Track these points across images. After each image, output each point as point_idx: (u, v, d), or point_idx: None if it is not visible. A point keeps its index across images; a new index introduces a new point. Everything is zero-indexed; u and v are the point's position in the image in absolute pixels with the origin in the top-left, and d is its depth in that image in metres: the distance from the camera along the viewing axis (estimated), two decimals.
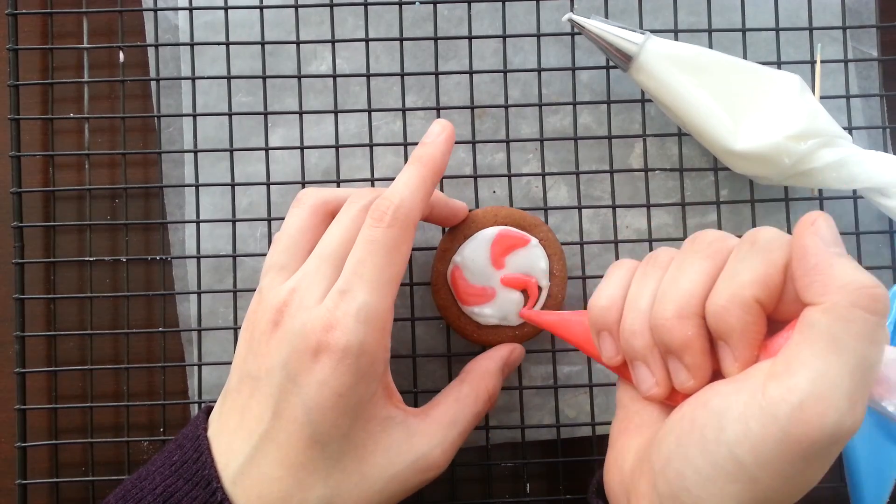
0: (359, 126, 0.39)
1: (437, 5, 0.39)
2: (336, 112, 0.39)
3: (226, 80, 0.39)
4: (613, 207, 0.39)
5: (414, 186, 0.29)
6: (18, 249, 0.38)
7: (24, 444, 0.37)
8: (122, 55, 0.40)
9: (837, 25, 0.39)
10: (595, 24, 0.36)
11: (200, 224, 0.38)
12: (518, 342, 0.36)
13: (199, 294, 0.38)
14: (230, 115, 0.39)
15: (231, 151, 0.39)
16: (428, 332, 0.39)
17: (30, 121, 0.39)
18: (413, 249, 0.38)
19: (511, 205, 0.39)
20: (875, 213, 0.39)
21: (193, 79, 0.39)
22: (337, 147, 0.39)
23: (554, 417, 0.38)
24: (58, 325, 0.39)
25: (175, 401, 0.38)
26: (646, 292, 0.26)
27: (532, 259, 0.35)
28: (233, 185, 0.38)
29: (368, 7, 0.39)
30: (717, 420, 0.22)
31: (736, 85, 0.36)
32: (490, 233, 0.35)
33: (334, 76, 0.39)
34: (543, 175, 0.39)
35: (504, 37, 0.39)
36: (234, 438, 0.28)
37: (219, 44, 0.39)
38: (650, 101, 0.39)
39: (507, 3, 0.39)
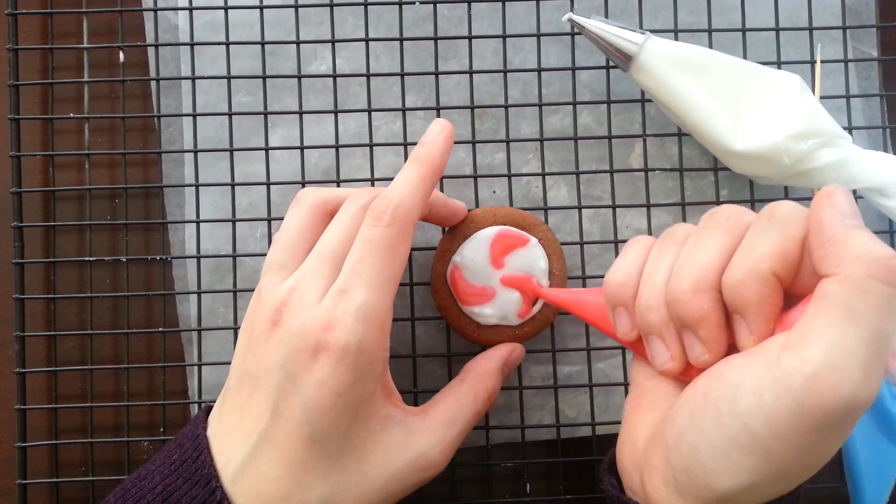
0: (359, 126, 0.39)
1: (437, 5, 0.39)
2: (336, 112, 0.39)
3: (226, 80, 0.39)
4: (613, 207, 0.39)
5: (413, 186, 0.29)
6: (18, 249, 0.38)
7: (24, 444, 0.37)
8: (122, 55, 0.40)
9: (837, 25, 0.39)
10: (595, 24, 0.36)
11: (200, 224, 0.38)
12: (518, 342, 0.36)
13: (199, 294, 0.38)
14: (230, 115, 0.39)
15: (231, 151, 0.39)
16: (428, 332, 0.39)
17: (30, 121, 0.39)
18: (413, 249, 0.38)
19: (511, 205, 0.39)
20: (875, 213, 0.39)
21: (193, 79, 0.39)
22: (337, 147, 0.39)
23: (554, 417, 0.38)
24: (58, 325, 0.39)
25: (175, 401, 0.38)
26: (662, 267, 0.26)
27: (531, 258, 0.35)
28: (233, 185, 0.38)
29: (368, 7, 0.39)
30: (730, 393, 0.23)
31: (736, 85, 0.36)
32: (489, 232, 0.35)
33: (334, 76, 0.39)
34: (543, 175, 0.39)
35: (504, 37, 0.39)
36: (233, 438, 0.28)
37: (219, 44, 0.39)
38: (650, 101, 0.39)
39: (507, 3, 0.39)
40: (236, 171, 0.39)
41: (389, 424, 0.29)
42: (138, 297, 0.39)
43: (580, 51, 0.39)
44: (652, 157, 0.39)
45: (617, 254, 0.39)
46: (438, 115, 0.39)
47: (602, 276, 0.38)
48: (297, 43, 0.39)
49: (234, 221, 0.38)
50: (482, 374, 0.33)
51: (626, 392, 0.38)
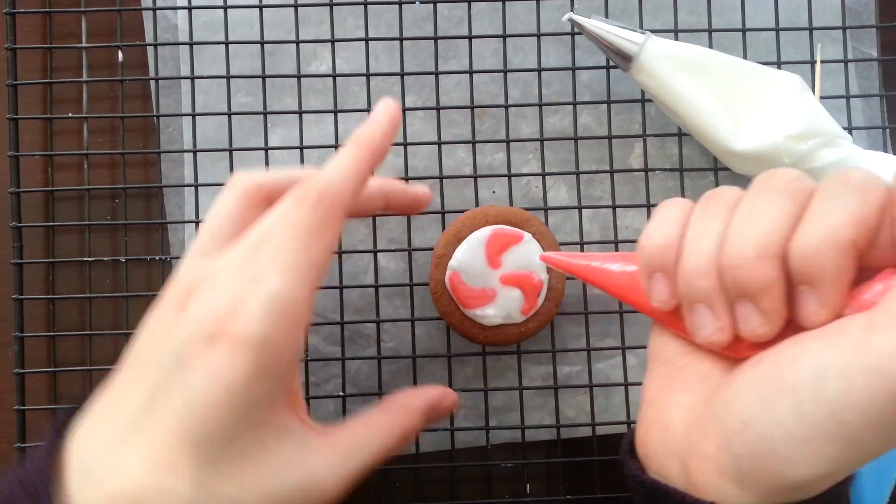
0: (358, 126, 0.39)
1: (437, 5, 0.39)
2: (336, 112, 0.39)
3: (225, 80, 0.39)
4: (613, 207, 0.39)
5: (345, 168, 0.27)
6: (17, 249, 0.38)
7: (23, 445, 0.37)
8: (121, 55, 0.40)
9: (837, 25, 0.39)
10: (595, 24, 0.36)
11: (200, 224, 0.38)
12: (523, 338, 0.36)
13: None
14: (230, 115, 0.39)
15: (231, 151, 0.39)
16: (428, 332, 0.39)
17: (29, 121, 0.39)
18: (413, 250, 0.38)
19: (511, 205, 0.39)
20: None
21: (193, 78, 0.39)
22: (337, 147, 0.38)
23: (554, 417, 0.38)
24: (58, 325, 0.39)
25: None
26: (711, 232, 0.24)
27: (528, 254, 0.35)
28: None
29: (368, 7, 0.39)
30: (812, 378, 0.21)
31: (736, 85, 0.36)
32: (483, 233, 0.35)
33: (334, 76, 0.39)
34: (543, 175, 0.39)
35: (504, 37, 0.39)
36: (100, 426, 0.25)
37: (218, 43, 0.39)
38: (650, 101, 0.39)
39: (507, 3, 0.39)
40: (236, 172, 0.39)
41: (285, 437, 0.25)
42: (138, 298, 0.39)
43: (580, 51, 0.39)
44: (652, 157, 0.39)
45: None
46: (438, 116, 0.39)
47: None
48: (297, 43, 0.39)
49: None
50: (405, 409, 0.29)
51: (627, 392, 0.38)
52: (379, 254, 0.38)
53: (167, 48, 0.39)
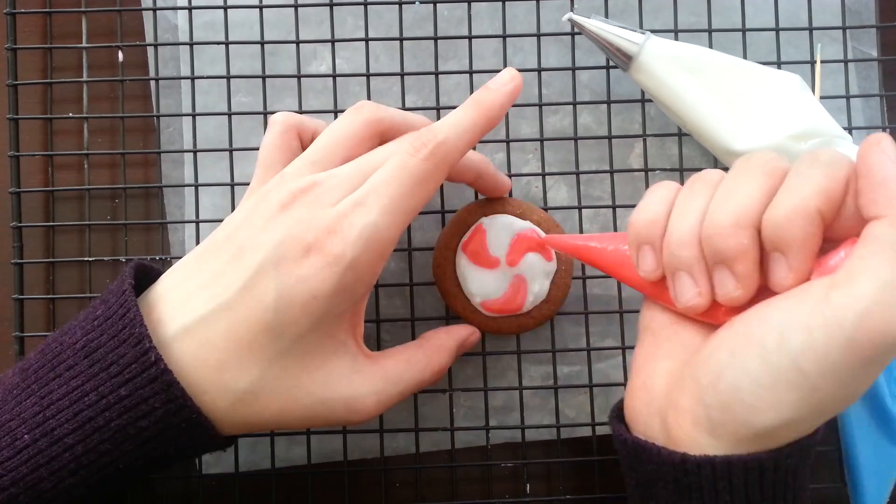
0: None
1: (437, 5, 0.39)
2: (336, 112, 0.39)
3: (225, 80, 0.39)
4: (613, 207, 0.39)
5: (463, 128, 0.29)
6: (18, 249, 0.38)
7: None
8: (121, 55, 0.40)
9: (837, 25, 0.39)
10: (595, 24, 0.36)
11: (200, 224, 0.38)
12: (525, 330, 0.36)
13: None
14: (230, 115, 0.39)
15: (230, 151, 0.39)
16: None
17: (29, 121, 0.39)
18: (413, 250, 0.38)
19: None
20: None
21: (193, 79, 0.39)
22: None
23: (554, 417, 0.38)
24: (58, 325, 0.39)
25: None
26: (695, 207, 0.26)
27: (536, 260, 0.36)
28: (232, 185, 0.38)
29: (368, 7, 0.39)
30: (777, 332, 0.23)
31: (736, 85, 0.36)
32: (521, 225, 0.36)
33: (334, 76, 0.39)
34: (543, 175, 0.39)
35: (504, 37, 0.39)
36: (194, 296, 0.28)
37: (218, 43, 0.39)
38: (650, 101, 0.39)
39: (507, 3, 0.39)
40: (236, 171, 0.39)
41: (343, 351, 0.29)
42: None
43: (580, 51, 0.39)
44: (652, 157, 0.39)
45: None
46: (438, 116, 0.39)
47: (602, 277, 0.38)
48: (297, 43, 0.39)
49: None
50: (439, 348, 0.33)
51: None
52: None
53: (167, 48, 0.39)
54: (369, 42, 0.39)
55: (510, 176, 0.39)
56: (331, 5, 0.39)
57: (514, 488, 0.39)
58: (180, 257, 0.38)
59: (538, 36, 0.39)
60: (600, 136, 0.39)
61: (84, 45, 0.39)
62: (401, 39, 0.39)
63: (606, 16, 0.39)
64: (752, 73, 0.36)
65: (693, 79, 0.36)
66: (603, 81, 0.39)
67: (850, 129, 0.39)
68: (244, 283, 0.27)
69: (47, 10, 0.39)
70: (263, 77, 0.39)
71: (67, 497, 0.27)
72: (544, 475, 0.39)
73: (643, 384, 0.28)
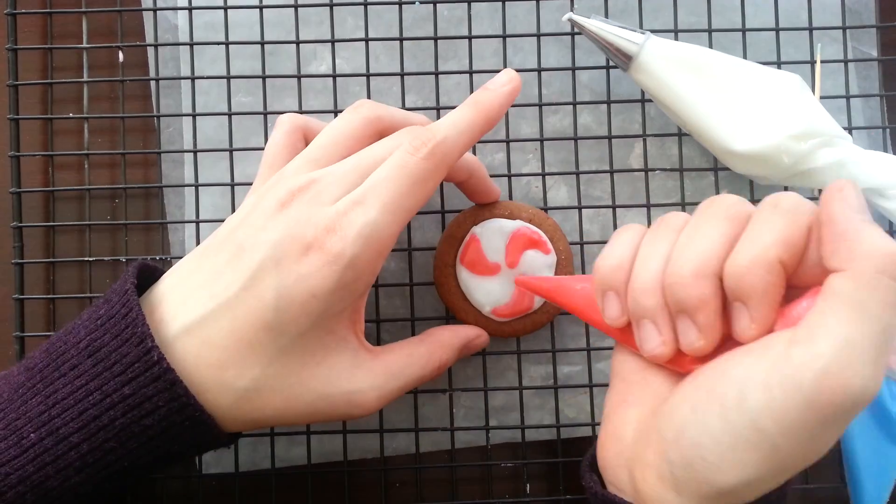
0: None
1: (437, 5, 0.39)
2: (336, 112, 0.39)
3: (225, 80, 0.39)
4: (613, 207, 0.39)
5: (462, 128, 0.29)
6: (18, 249, 0.38)
7: None
8: (121, 55, 0.40)
9: (837, 25, 0.39)
10: (595, 24, 0.36)
11: (200, 224, 0.38)
12: (540, 327, 0.36)
13: None
14: (230, 115, 0.39)
15: (231, 151, 0.39)
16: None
17: (29, 121, 0.39)
18: (413, 250, 0.38)
19: None
20: (874, 214, 0.39)
21: (193, 79, 0.39)
22: None
23: (554, 417, 0.38)
24: (58, 325, 0.39)
25: None
26: (658, 253, 0.26)
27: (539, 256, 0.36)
28: (232, 185, 0.38)
29: (368, 7, 0.39)
30: (737, 388, 0.22)
31: (736, 85, 0.36)
32: (512, 225, 0.36)
33: (334, 76, 0.39)
34: (543, 175, 0.39)
35: (504, 37, 0.39)
36: (195, 295, 0.28)
37: (218, 43, 0.39)
38: (650, 101, 0.39)
39: (507, 3, 0.39)
40: (236, 171, 0.39)
41: (343, 347, 0.29)
42: None
43: (580, 51, 0.39)
44: (652, 157, 0.39)
45: None
46: (438, 116, 0.39)
47: None
48: (297, 43, 0.39)
49: None
50: (442, 344, 0.33)
51: None
52: None
53: (167, 48, 0.39)
54: (369, 42, 0.39)
55: (510, 176, 0.39)
56: (331, 5, 0.39)
57: (514, 488, 0.39)
58: (180, 257, 0.38)
59: (538, 36, 0.39)
60: (600, 136, 0.39)
61: (84, 45, 0.39)
62: (401, 39, 0.39)
63: (606, 16, 0.39)
64: (752, 73, 0.36)
65: (693, 79, 0.36)
66: (603, 81, 0.39)
67: (850, 129, 0.39)
68: (244, 282, 0.27)
69: (47, 10, 0.39)
70: (263, 77, 0.39)
71: (73, 495, 0.27)
72: (544, 475, 0.39)
73: (613, 433, 0.27)
